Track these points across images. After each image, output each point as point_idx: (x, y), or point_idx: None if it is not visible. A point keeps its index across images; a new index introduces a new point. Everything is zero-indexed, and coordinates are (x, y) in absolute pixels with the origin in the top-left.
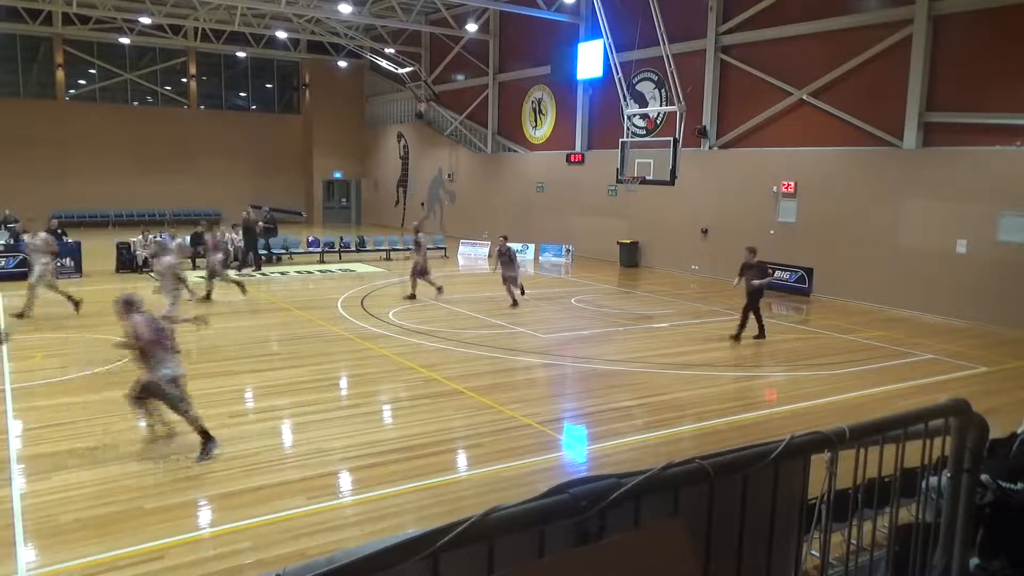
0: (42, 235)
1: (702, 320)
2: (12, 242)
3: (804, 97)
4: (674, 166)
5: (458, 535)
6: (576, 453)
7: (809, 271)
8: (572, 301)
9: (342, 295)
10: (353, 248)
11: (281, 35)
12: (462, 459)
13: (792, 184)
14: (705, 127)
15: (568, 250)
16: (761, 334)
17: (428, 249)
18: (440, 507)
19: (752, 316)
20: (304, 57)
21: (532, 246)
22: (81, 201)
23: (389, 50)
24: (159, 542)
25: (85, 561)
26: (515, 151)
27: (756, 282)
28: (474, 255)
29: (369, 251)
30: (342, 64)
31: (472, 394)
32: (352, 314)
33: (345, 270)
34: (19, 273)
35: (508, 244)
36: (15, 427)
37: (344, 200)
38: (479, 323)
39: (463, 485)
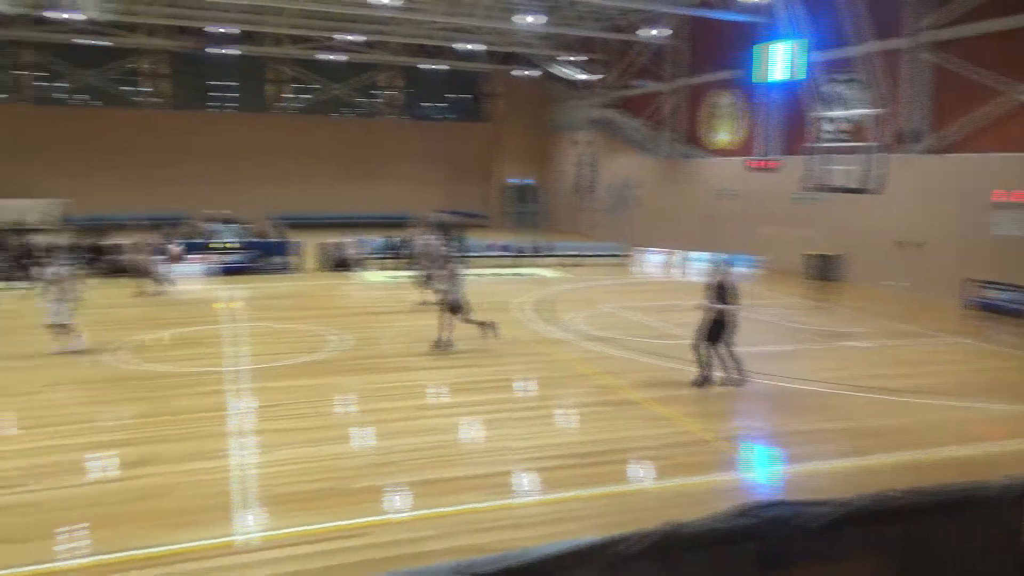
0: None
1: (906, 341)
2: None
3: None
4: (872, 173)
5: (636, 546)
6: (760, 475)
7: None
8: (759, 315)
9: (523, 299)
10: (535, 253)
11: (472, 47)
12: (640, 470)
13: (1021, 193)
14: (913, 131)
15: (755, 261)
16: None
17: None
18: (615, 517)
19: None
20: (492, 67)
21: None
22: (294, 204)
23: (571, 58)
24: (360, 520)
25: (295, 531)
26: (698, 157)
27: None
28: (655, 263)
29: (550, 256)
30: (526, 73)
31: (651, 405)
32: (532, 318)
33: (527, 274)
34: (244, 268)
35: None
36: (240, 405)
37: (527, 205)
38: (660, 332)
39: (640, 497)
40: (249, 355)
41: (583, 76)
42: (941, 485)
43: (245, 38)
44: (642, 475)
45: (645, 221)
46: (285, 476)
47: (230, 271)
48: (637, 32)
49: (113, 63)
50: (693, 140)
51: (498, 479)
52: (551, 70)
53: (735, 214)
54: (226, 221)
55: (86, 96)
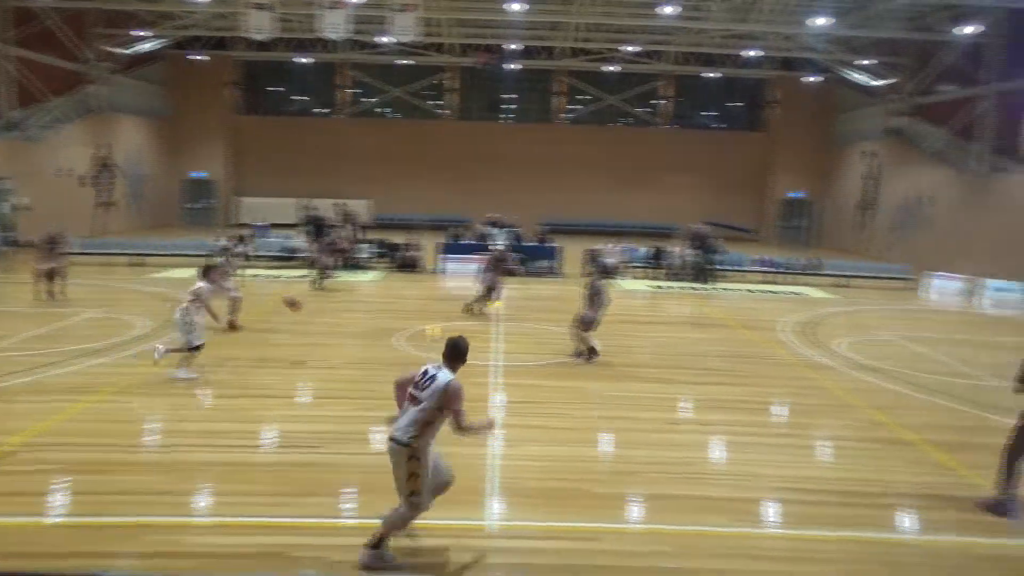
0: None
1: None
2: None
3: None
4: None
5: None
6: None
7: None
8: None
9: (788, 318)
10: (805, 271)
11: (751, 53)
12: (906, 519)
13: None
14: None
15: None
16: None
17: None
18: (871, 566)
19: None
20: (772, 74)
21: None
22: (562, 211)
23: (864, 62)
24: (596, 524)
25: (536, 525)
26: (1013, 172)
27: None
28: (948, 290)
29: (824, 275)
30: (811, 79)
31: (928, 448)
32: (797, 339)
33: (794, 293)
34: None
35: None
36: (499, 399)
37: (800, 220)
38: (946, 368)
39: (903, 549)
40: (510, 352)
41: (876, 81)
42: None
43: (531, 53)
44: (908, 525)
45: (941, 243)
46: (533, 471)
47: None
48: (944, 30)
49: (415, 80)
50: (1009, 152)
51: (743, 505)
52: (839, 75)
53: None
54: (494, 224)
55: (389, 109)
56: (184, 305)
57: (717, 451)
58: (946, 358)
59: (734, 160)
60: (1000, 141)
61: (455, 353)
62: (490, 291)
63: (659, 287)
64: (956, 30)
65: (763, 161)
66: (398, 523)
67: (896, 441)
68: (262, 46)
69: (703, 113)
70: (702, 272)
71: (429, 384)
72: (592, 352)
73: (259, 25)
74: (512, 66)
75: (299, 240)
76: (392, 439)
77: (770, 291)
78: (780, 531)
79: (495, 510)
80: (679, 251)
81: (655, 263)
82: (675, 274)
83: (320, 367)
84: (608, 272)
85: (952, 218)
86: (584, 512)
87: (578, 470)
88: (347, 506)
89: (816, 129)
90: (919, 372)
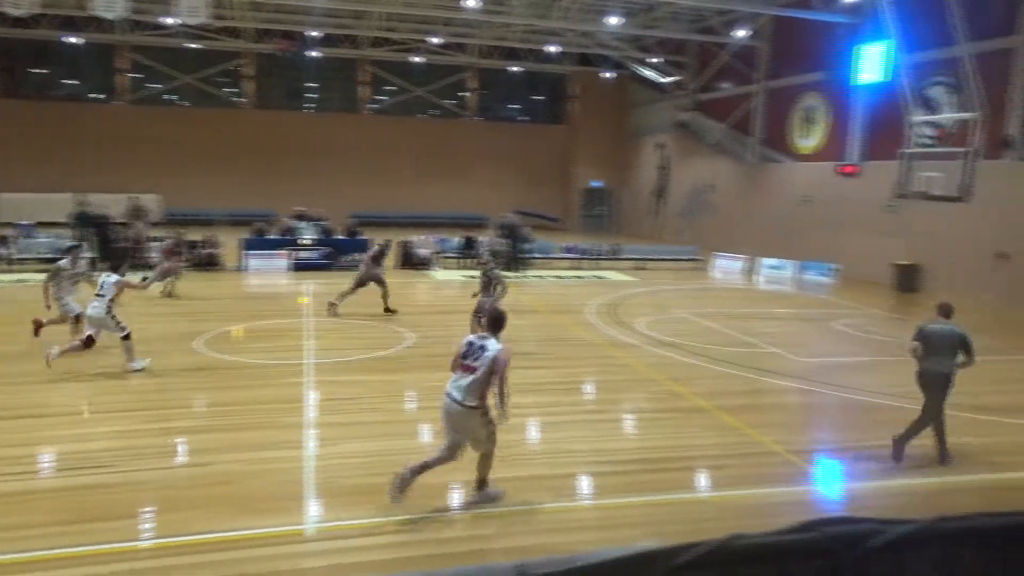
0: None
1: (995, 357)
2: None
3: None
4: (968, 180)
5: (697, 556)
6: (829, 490)
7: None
8: (835, 325)
9: (593, 301)
10: (607, 256)
11: (552, 49)
12: (703, 479)
13: None
14: (1011, 136)
15: (834, 269)
16: None
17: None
18: (676, 525)
19: None
20: (572, 69)
21: (792, 263)
22: (372, 203)
23: (654, 60)
24: (419, 516)
25: (359, 523)
26: (781, 162)
27: None
28: (731, 269)
29: (623, 259)
30: (607, 75)
31: (719, 413)
32: (602, 321)
33: (598, 277)
34: (324, 265)
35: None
36: (313, 398)
37: (601, 208)
38: (732, 340)
39: (702, 506)
40: (325, 349)
41: (665, 78)
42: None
43: (333, 41)
44: (704, 484)
45: (724, 226)
46: (350, 468)
47: (303, 267)
48: (722, 33)
49: (207, 66)
50: (777, 144)
51: (560, 481)
52: (632, 71)
53: (818, 220)
54: (300, 218)
55: (176, 96)
56: None
57: (532, 432)
58: (730, 331)
59: (538, 151)
60: (769, 134)
61: (498, 323)
62: (362, 285)
63: (472, 277)
64: (732, 34)
65: (565, 152)
66: (488, 463)
67: (692, 409)
68: (21, 22)
69: (508, 106)
70: (513, 261)
71: (480, 354)
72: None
73: None
74: (313, 54)
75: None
76: (459, 403)
77: (576, 277)
78: (592, 502)
79: (313, 513)
80: (489, 240)
81: (467, 253)
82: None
83: (107, 378)
84: (418, 263)
85: (732, 204)
86: (405, 505)
87: (397, 463)
88: (146, 527)
89: (613, 122)
90: (709, 345)
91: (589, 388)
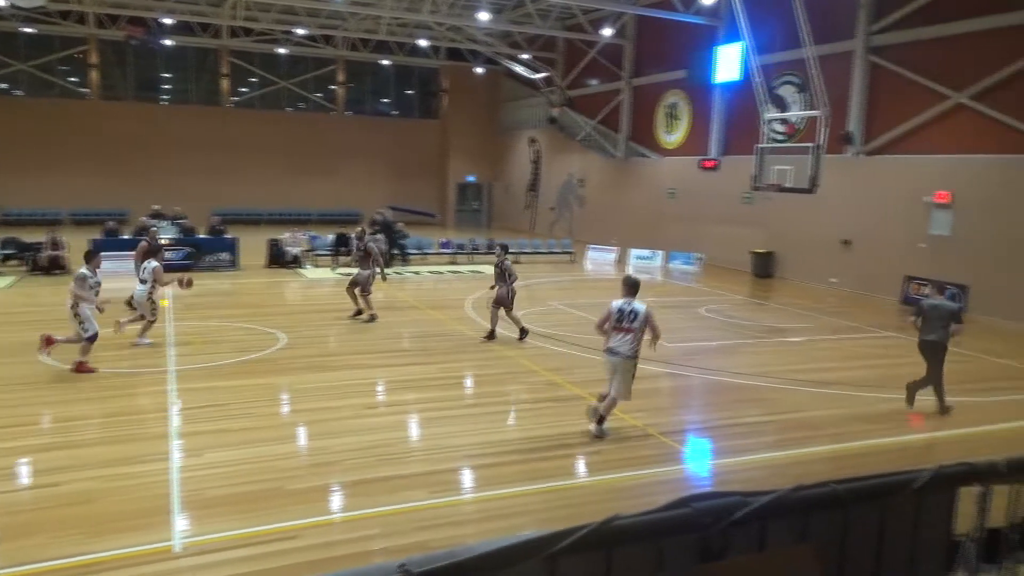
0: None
1: (841, 336)
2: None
3: (964, 101)
4: (815, 173)
5: (577, 540)
6: (699, 467)
7: (964, 288)
8: (700, 311)
9: (471, 296)
10: (483, 250)
11: (422, 43)
12: (581, 465)
13: (947, 194)
14: (851, 133)
15: (698, 258)
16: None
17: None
18: (558, 511)
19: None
20: (443, 64)
21: (660, 253)
22: (237, 200)
23: (524, 56)
24: (296, 522)
25: (229, 535)
26: (647, 156)
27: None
28: (602, 260)
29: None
30: (478, 70)
31: (595, 400)
32: (480, 315)
33: (475, 271)
34: (185, 265)
35: (506, 257)
36: (176, 406)
37: (476, 203)
38: None
39: (581, 491)
40: (190, 355)
41: (536, 74)
42: (872, 474)
43: (190, 29)
44: (583, 470)
45: (595, 219)
46: (219, 479)
47: (164, 268)
48: (589, 31)
49: (46, 53)
50: (644, 139)
51: (441, 476)
52: (503, 67)
53: (683, 212)
54: (157, 216)
55: (7, 85)
56: None
57: (412, 429)
58: None
59: (412, 146)
60: (636, 130)
61: (635, 287)
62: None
63: (345, 274)
64: (598, 32)
65: (439, 147)
66: (612, 406)
67: (569, 398)
68: None
69: (380, 100)
70: (389, 257)
71: (634, 316)
72: (523, 333)
73: None
74: (167, 43)
75: None
76: (620, 355)
77: (454, 272)
78: (476, 494)
79: (181, 527)
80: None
81: (340, 250)
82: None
83: None
84: (290, 261)
85: (602, 197)
86: (281, 512)
87: (270, 469)
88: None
89: (486, 117)
90: (583, 335)
91: (469, 382)
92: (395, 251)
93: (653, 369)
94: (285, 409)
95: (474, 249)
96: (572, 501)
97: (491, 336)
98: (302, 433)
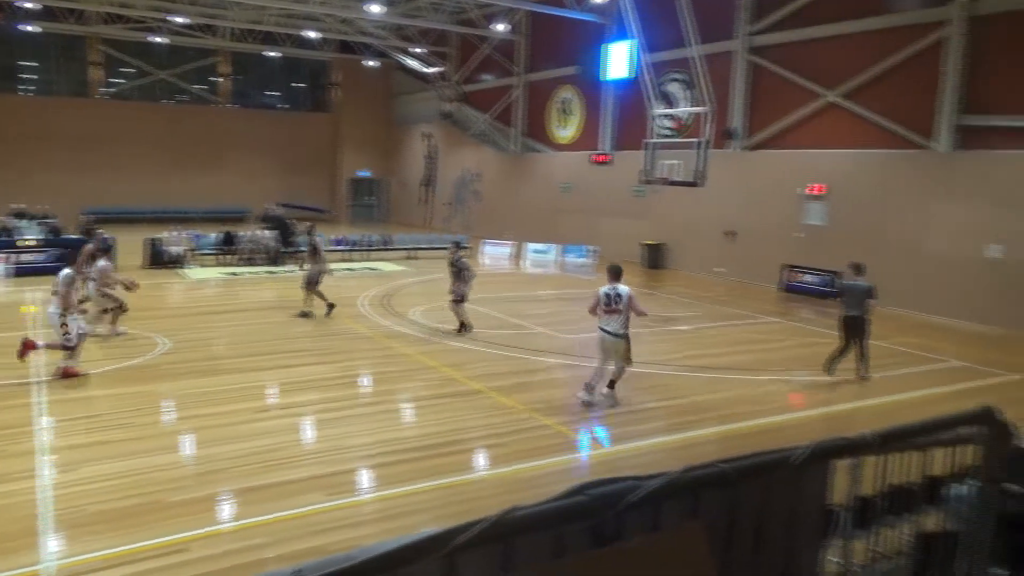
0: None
1: (727, 323)
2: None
3: (835, 99)
4: (701, 168)
5: (475, 535)
6: (596, 455)
7: (837, 275)
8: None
9: (366, 293)
10: (378, 247)
11: (311, 35)
12: (480, 459)
13: (822, 186)
14: (734, 128)
15: (592, 251)
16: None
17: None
18: (457, 506)
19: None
20: (334, 56)
21: (555, 246)
22: (111, 198)
23: (417, 50)
24: (181, 535)
25: (108, 553)
26: (541, 151)
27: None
28: (498, 254)
29: (393, 250)
30: (371, 64)
31: (493, 394)
32: (375, 312)
33: (369, 268)
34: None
35: (461, 254)
36: (46, 419)
37: (370, 198)
38: (501, 323)
39: (481, 485)
40: (56, 363)
41: (429, 68)
42: (755, 453)
43: (54, 14)
44: (483, 464)
45: (490, 214)
46: (96, 494)
47: (26, 272)
48: (482, 26)
49: None
50: (537, 134)
51: (337, 478)
52: (396, 61)
53: (577, 206)
54: (20, 216)
55: None
56: None
57: (308, 431)
58: (500, 314)
59: (302, 140)
60: (530, 125)
61: (618, 273)
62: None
63: (233, 273)
64: (491, 27)
65: (331, 141)
66: (621, 373)
67: (468, 392)
68: None
69: (267, 93)
70: (278, 255)
71: (619, 299)
72: (463, 327)
73: None
74: (28, 28)
75: None
76: (612, 334)
77: (348, 269)
78: (374, 495)
79: (53, 548)
80: (251, 235)
81: (226, 249)
82: (249, 259)
83: None
84: (172, 261)
85: (497, 192)
86: (163, 525)
87: (151, 481)
88: None
89: (379, 111)
90: (480, 329)
91: (366, 380)
92: (286, 248)
93: (551, 361)
94: (169, 417)
95: (369, 246)
96: (471, 496)
97: (463, 328)
98: (187, 442)
